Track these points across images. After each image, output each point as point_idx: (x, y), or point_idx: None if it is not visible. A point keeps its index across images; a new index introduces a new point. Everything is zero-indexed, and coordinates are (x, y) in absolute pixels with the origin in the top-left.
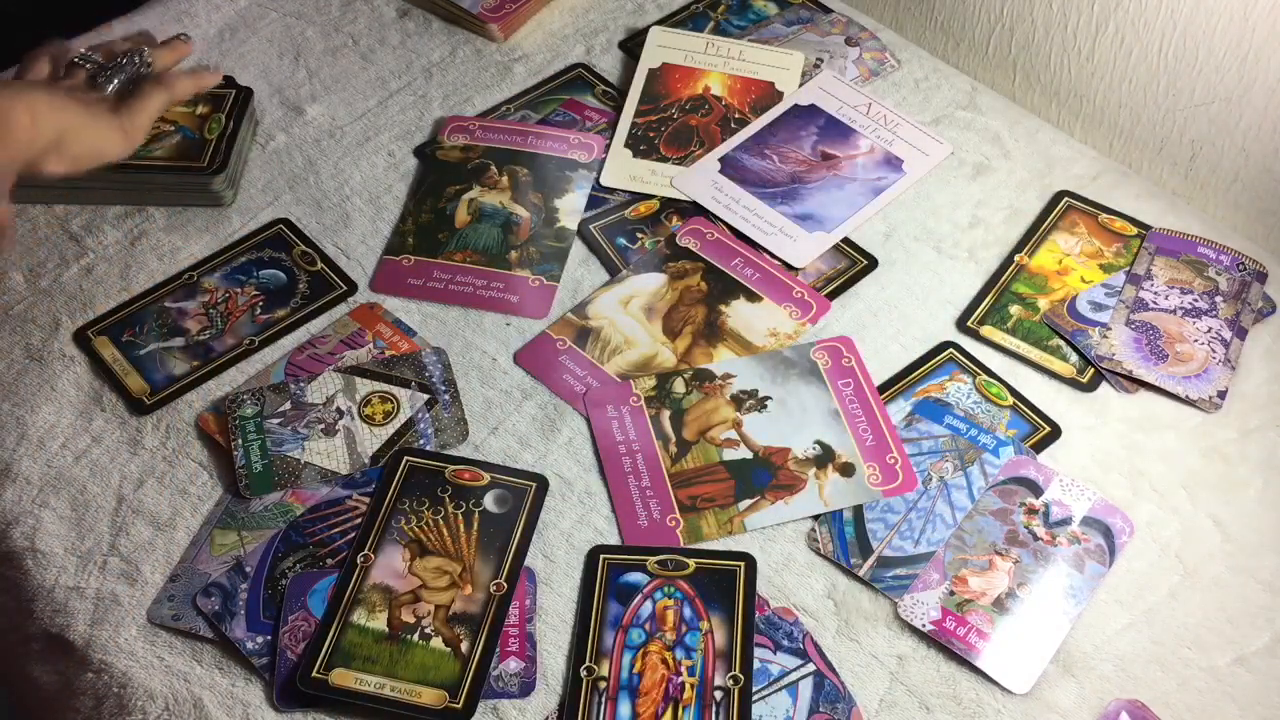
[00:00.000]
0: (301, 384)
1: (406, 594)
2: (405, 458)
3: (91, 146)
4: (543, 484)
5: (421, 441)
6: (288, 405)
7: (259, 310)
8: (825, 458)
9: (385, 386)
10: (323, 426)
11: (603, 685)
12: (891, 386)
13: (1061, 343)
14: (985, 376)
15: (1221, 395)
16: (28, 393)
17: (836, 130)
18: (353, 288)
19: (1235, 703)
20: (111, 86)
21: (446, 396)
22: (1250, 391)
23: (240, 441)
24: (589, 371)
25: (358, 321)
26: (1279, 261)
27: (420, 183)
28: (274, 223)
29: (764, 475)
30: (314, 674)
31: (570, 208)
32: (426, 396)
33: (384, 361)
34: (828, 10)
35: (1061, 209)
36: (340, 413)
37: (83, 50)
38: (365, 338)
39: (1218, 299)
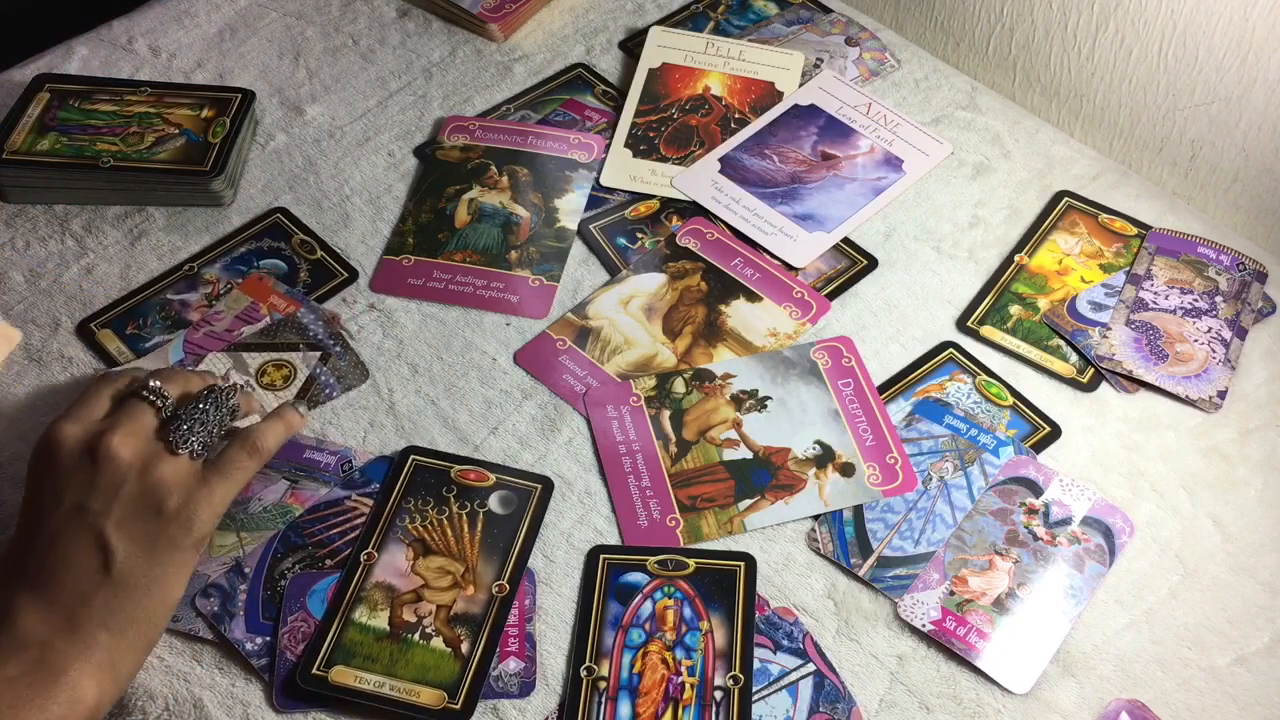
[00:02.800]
0: (190, 370)
1: (408, 593)
2: (411, 457)
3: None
4: (548, 486)
5: (328, 391)
6: None
7: None
8: (825, 458)
9: (275, 355)
10: None
11: (603, 685)
12: (891, 386)
13: (1061, 343)
14: (985, 376)
15: (1221, 395)
16: (27, 393)
17: (836, 130)
18: (353, 274)
19: (1235, 703)
20: (190, 448)
21: (337, 347)
22: (1250, 391)
23: None
24: (589, 371)
25: (250, 295)
26: (1279, 261)
27: (420, 183)
28: (271, 212)
29: (764, 475)
30: (314, 671)
31: (570, 208)
32: (318, 353)
33: (264, 332)
34: (828, 10)
35: (1061, 209)
36: (238, 388)
37: (152, 384)
38: (260, 311)
39: (1218, 299)
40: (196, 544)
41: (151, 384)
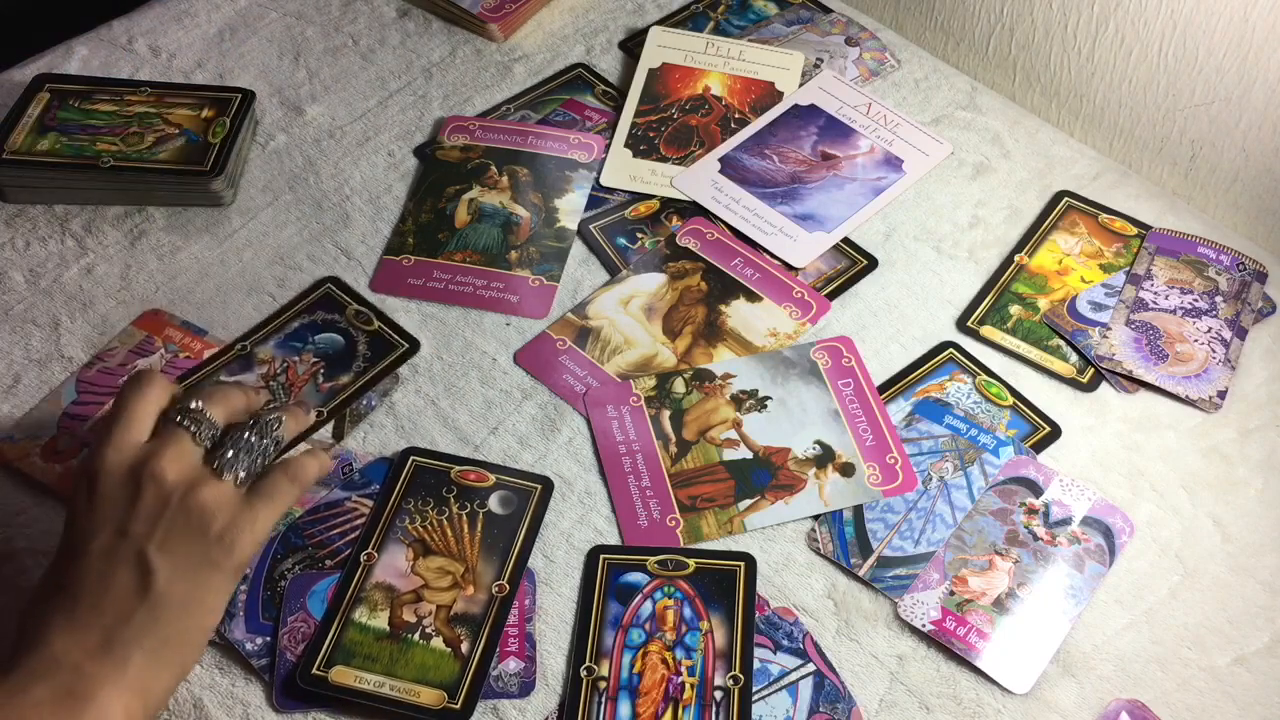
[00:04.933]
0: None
1: (408, 593)
2: (411, 458)
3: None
4: (548, 486)
5: (368, 403)
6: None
7: (321, 378)
8: (825, 458)
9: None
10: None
11: (603, 685)
12: (891, 386)
13: (1061, 343)
14: (985, 376)
15: (1221, 395)
16: (27, 393)
17: (836, 130)
18: (415, 345)
19: (1235, 703)
20: (235, 474)
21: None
22: (1250, 391)
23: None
24: (589, 371)
25: (144, 330)
26: (1279, 261)
27: (420, 183)
28: (320, 283)
29: (764, 475)
30: (314, 671)
31: (570, 208)
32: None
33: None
34: (828, 10)
35: (1061, 209)
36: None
37: (195, 406)
38: (155, 344)
39: (1218, 299)
40: (237, 568)
41: (194, 406)
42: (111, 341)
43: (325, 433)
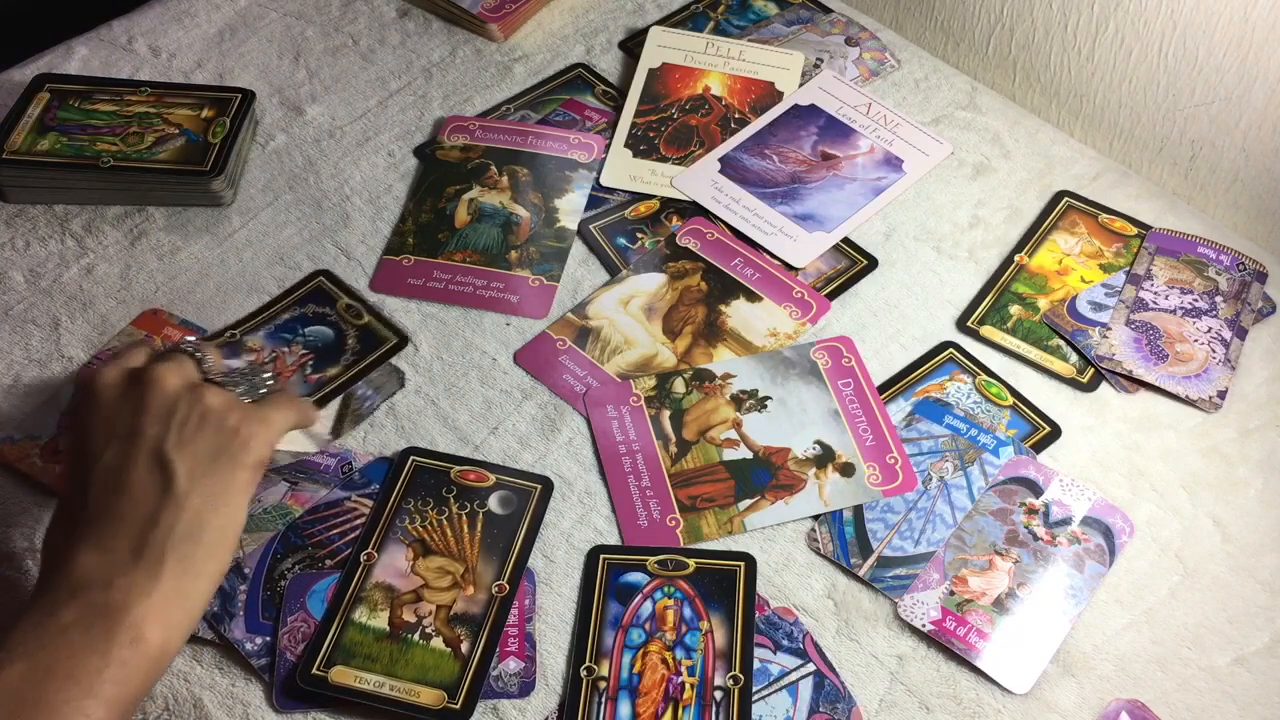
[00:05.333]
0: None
1: (408, 593)
2: (411, 458)
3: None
4: (548, 486)
5: (369, 404)
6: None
7: (309, 370)
8: (825, 458)
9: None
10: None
11: (603, 685)
12: (891, 386)
13: (1061, 343)
14: (985, 376)
15: (1221, 395)
16: (27, 393)
17: (836, 130)
18: (404, 340)
19: (1235, 703)
20: (237, 392)
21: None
22: (1250, 391)
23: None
24: (589, 371)
25: (144, 329)
26: (1279, 261)
27: (420, 183)
28: (313, 275)
29: (764, 475)
30: (314, 671)
31: (570, 208)
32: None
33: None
34: (828, 10)
35: (1061, 209)
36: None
37: (190, 339)
38: (154, 344)
39: (1218, 299)
40: (255, 466)
41: (191, 339)
42: (111, 341)
43: (325, 424)
